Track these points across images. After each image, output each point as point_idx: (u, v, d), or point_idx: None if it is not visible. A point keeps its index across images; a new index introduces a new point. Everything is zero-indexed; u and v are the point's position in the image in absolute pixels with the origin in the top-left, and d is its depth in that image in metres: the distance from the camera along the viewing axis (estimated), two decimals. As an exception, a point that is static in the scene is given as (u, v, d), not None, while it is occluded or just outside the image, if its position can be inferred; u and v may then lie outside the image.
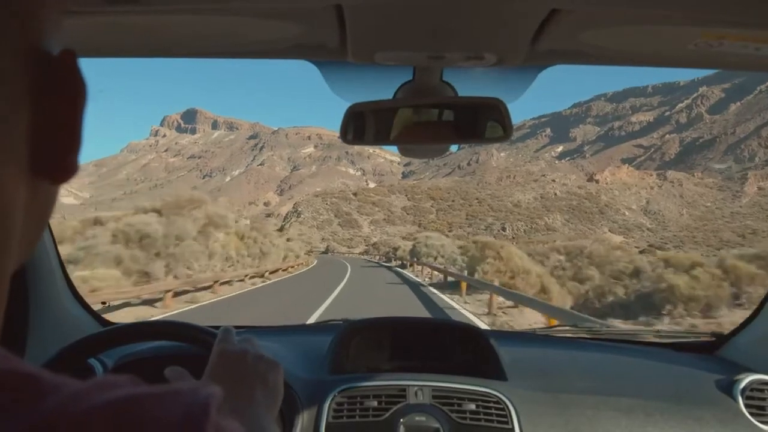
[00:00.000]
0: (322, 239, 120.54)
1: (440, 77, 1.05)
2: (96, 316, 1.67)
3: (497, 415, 1.29)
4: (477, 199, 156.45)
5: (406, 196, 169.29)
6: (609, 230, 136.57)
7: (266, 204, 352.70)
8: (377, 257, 57.88)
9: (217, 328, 0.86)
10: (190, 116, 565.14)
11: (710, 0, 0.67)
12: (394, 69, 1.01)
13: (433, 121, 1.08)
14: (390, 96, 1.10)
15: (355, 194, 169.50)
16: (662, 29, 0.80)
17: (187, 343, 1.02)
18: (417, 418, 1.28)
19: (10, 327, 1.31)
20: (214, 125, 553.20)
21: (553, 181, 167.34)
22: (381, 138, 1.08)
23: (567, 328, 2.06)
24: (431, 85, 1.07)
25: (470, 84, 1.07)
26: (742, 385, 1.40)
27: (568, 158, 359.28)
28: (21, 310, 1.33)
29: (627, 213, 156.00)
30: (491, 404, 1.31)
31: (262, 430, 0.64)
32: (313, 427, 1.27)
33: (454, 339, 1.60)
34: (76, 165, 0.34)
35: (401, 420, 1.28)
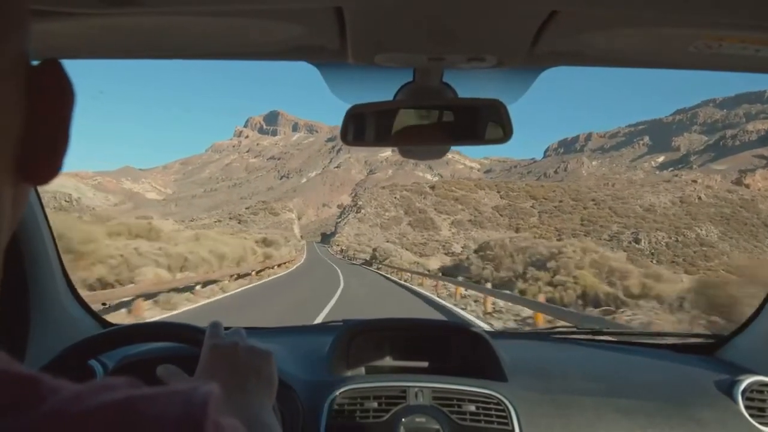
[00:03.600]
0: (386, 242, 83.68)
1: (440, 79, 1.03)
2: (96, 317, 1.63)
3: (497, 417, 1.27)
4: (593, 200, 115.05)
5: (499, 192, 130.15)
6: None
7: (339, 206, 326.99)
8: None
9: None
10: (272, 118, 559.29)
11: (709, 2, 0.65)
12: (394, 70, 0.98)
13: (434, 122, 1.05)
14: (390, 97, 1.07)
15: (432, 188, 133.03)
16: (662, 31, 0.78)
17: (188, 344, 0.98)
18: (417, 420, 1.25)
19: (11, 328, 1.28)
20: (295, 127, 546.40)
21: (694, 182, 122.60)
22: (381, 139, 1.05)
23: (568, 329, 2.00)
24: (431, 86, 1.04)
25: (471, 85, 1.04)
26: (743, 386, 1.36)
27: (671, 168, 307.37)
28: (22, 312, 1.30)
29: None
30: (491, 405, 1.28)
31: (258, 421, 0.62)
32: (314, 429, 1.24)
33: (454, 340, 1.57)
34: (59, 168, 0.34)
35: (401, 421, 1.25)
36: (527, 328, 7.81)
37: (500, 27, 0.78)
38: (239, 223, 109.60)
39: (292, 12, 0.74)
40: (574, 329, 1.97)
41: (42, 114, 0.33)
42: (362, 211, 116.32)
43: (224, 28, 0.80)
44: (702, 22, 0.73)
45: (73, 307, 1.51)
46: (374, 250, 52.85)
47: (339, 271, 31.73)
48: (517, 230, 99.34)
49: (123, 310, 10.06)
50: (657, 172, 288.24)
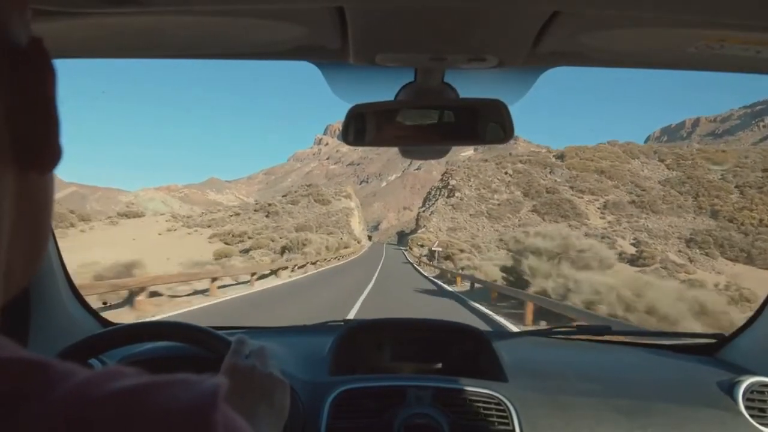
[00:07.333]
0: (500, 240, 44.81)
1: (441, 79, 1.01)
2: (97, 316, 1.60)
3: (498, 417, 1.24)
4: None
5: (663, 162, 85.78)
6: None
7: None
8: None
9: (217, 328, 0.81)
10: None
11: (711, 3, 0.64)
12: (395, 70, 0.96)
13: (435, 122, 1.02)
14: (392, 97, 1.06)
15: (560, 157, 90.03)
16: (663, 32, 0.76)
17: (189, 345, 0.97)
18: (417, 420, 1.22)
19: (11, 328, 1.26)
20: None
21: None
22: (382, 139, 1.03)
23: (568, 329, 1.92)
24: (432, 86, 1.02)
25: (471, 86, 1.02)
26: (743, 387, 1.33)
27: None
28: (22, 311, 1.27)
29: None
30: (492, 405, 1.25)
31: None
32: (314, 429, 1.21)
33: (454, 340, 1.55)
34: (58, 148, 0.32)
35: (402, 421, 1.22)
36: (527, 329, 6.95)
37: (501, 27, 0.76)
38: (267, 216, 75.43)
39: (294, 12, 0.72)
40: (574, 329, 1.90)
41: (25, 93, 0.30)
42: (456, 194, 78.93)
43: (225, 27, 0.78)
44: (703, 22, 0.71)
45: (73, 307, 1.48)
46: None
47: None
48: (715, 214, 56.73)
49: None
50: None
